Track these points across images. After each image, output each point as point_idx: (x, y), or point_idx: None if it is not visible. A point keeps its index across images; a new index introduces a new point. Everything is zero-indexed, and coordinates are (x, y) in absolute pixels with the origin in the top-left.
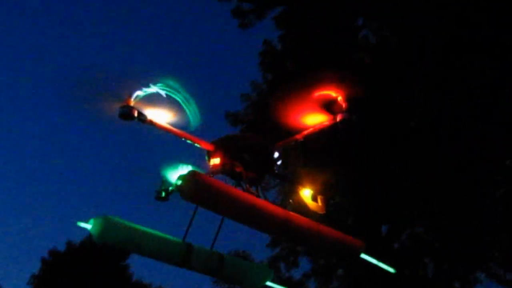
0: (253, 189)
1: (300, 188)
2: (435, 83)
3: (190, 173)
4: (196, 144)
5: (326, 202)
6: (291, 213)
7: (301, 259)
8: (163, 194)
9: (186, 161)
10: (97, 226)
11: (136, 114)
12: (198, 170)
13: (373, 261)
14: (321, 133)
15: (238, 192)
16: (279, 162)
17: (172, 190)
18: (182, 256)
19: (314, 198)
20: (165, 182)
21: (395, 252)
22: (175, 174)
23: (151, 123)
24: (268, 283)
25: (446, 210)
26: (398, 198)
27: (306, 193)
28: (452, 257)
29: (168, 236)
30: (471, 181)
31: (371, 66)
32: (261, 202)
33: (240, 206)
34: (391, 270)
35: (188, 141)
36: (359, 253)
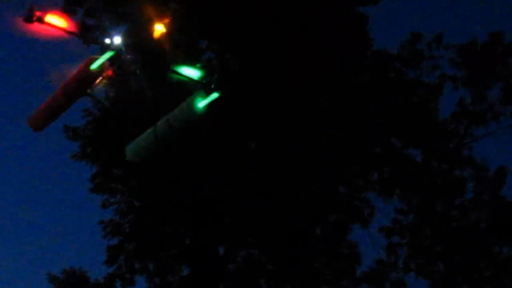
0: None
1: None
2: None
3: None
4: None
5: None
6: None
7: (138, 277)
8: None
9: None
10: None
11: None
12: None
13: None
14: None
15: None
16: None
17: None
18: (157, 135)
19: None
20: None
21: (231, 272)
22: None
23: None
24: (202, 103)
25: (278, 235)
26: (234, 220)
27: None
28: (284, 280)
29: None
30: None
31: None
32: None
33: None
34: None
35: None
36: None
